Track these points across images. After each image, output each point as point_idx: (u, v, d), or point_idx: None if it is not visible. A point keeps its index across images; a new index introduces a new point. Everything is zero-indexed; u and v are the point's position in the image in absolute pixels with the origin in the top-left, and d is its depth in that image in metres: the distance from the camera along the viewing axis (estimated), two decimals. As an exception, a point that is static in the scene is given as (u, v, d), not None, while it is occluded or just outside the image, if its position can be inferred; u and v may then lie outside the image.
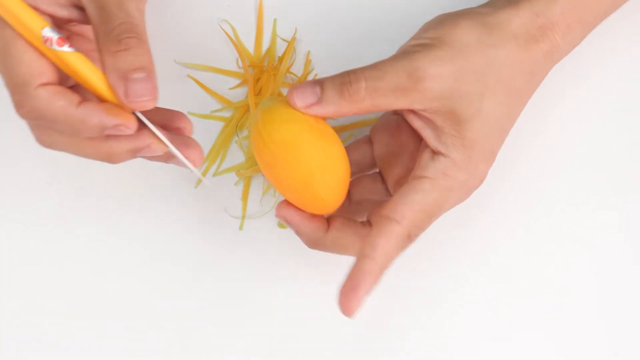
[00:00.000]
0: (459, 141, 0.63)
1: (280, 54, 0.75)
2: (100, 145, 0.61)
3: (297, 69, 0.75)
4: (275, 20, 0.76)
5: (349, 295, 0.61)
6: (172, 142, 0.61)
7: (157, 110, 0.64)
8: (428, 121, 0.63)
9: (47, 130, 0.61)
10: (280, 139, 0.62)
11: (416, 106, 0.63)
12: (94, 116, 0.58)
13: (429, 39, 0.64)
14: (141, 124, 0.60)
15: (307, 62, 0.75)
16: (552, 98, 0.73)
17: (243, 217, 0.73)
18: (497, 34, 0.64)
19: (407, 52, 0.63)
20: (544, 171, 0.73)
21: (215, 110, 0.74)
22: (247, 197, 0.73)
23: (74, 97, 0.59)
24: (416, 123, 0.64)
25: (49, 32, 0.58)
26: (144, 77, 0.58)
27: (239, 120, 0.74)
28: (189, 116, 0.65)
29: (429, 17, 0.75)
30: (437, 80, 0.62)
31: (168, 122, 0.64)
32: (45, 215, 0.74)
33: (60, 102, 0.58)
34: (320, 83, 0.62)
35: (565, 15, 0.66)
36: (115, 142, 0.61)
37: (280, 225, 0.73)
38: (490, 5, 0.66)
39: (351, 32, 0.76)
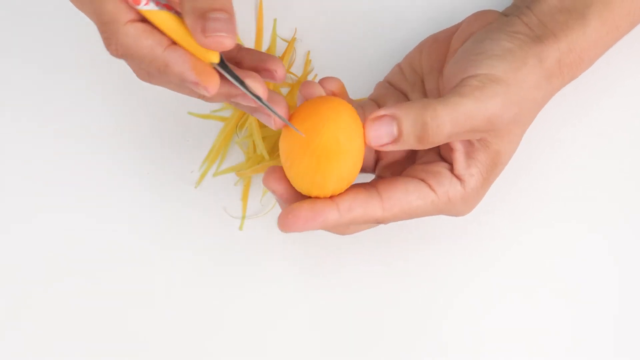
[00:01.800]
0: (480, 180, 0.63)
1: (280, 54, 0.75)
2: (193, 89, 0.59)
3: (297, 69, 0.75)
4: (275, 20, 0.76)
5: (299, 222, 0.60)
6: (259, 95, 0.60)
7: (249, 51, 0.63)
8: (470, 149, 0.63)
9: (148, 77, 0.60)
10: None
11: (474, 138, 0.63)
12: (178, 65, 0.57)
13: (504, 71, 0.63)
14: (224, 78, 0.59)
15: (307, 62, 0.75)
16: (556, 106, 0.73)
17: (243, 217, 0.73)
18: (544, 76, 0.65)
19: (488, 89, 0.62)
20: (547, 179, 0.73)
21: (215, 110, 0.74)
22: (247, 197, 0.73)
23: (163, 39, 0.58)
24: (455, 144, 0.63)
25: None
26: (224, 18, 0.57)
27: (239, 120, 0.74)
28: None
29: (429, 17, 0.75)
30: (504, 124, 0.62)
31: (259, 62, 0.62)
32: (44, 215, 0.74)
33: (148, 41, 0.57)
34: (397, 120, 0.60)
35: (590, 49, 0.66)
36: (205, 90, 0.59)
37: (280, 225, 0.73)
38: (526, 27, 0.66)
39: (351, 33, 0.76)
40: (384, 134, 0.61)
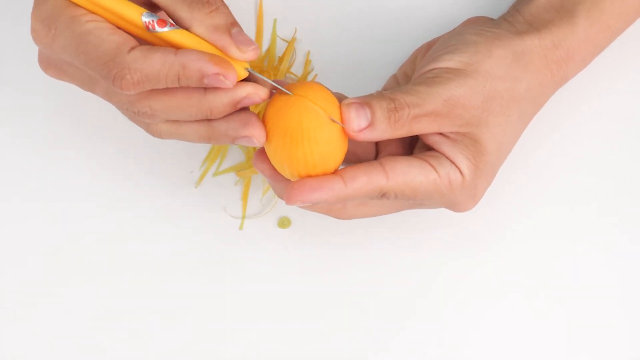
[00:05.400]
0: (472, 168, 0.64)
1: (280, 54, 0.75)
2: (200, 101, 0.60)
3: (297, 69, 0.75)
4: (275, 20, 0.76)
5: (305, 191, 0.62)
6: (231, 122, 0.62)
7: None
8: (448, 140, 0.64)
9: (150, 110, 0.61)
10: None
11: (443, 130, 0.64)
12: (195, 60, 0.58)
13: (462, 63, 0.64)
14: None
15: (307, 62, 0.75)
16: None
17: (243, 217, 0.73)
18: (522, 67, 0.65)
19: (441, 77, 0.64)
20: (545, 174, 0.73)
21: (215, 110, 0.74)
22: (247, 197, 0.73)
23: (169, 49, 0.59)
24: (432, 139, 0.64)
25: (147, 17, 0.59)
26: (241, 30, 0.60)
27: (239, 120, 0.74)
28: None
29: (428, 18, 0.75)
30: (468, 109, 0.63)
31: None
32: (43, 214, 0.74)
33: (157, 54, 0.58)
34: (368, 105, 0.62)
35: (580, 48, 0.67)
36: (214, 96, 0.60)
37: (281, 225, 0.73)
38: (511, 27, 0.67)
39: (351, 32, 0.76)
40: (361, 116, 0.62)
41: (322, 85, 0.64)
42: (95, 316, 0.72)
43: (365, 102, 0.62)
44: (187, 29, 0.60)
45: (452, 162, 0.64)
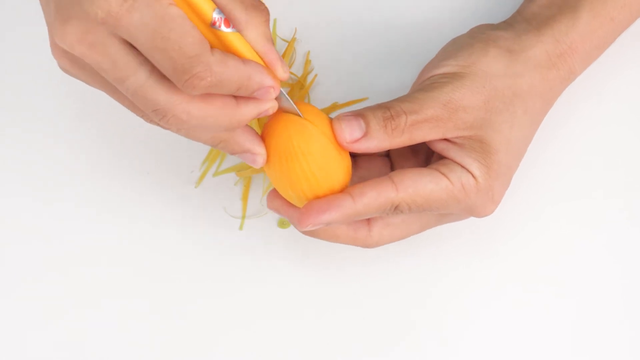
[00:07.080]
0: (483, 169, 0.64)
1: (280, 54, 0.75)
2: (234, 113, 0.59)
3: (297, 69, 0.75)
4: (275, 20, 0.76)
5: (313, 213, 0.62)
6: (248, 134, 0.62)
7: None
8: (455, 145, 0.64)
9: (187, 117, 0.58)
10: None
11: (448, 135, 0.63)
12: (258, 73, 0.58)
13: (458, 66, 0.64)
14: None
15: (307, 62, 0.75)
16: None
17: (243, 217, 0.73)
18: (522, 63, 0.65)
19: (439, 82, 0.64)
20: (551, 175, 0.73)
21: (215, 110, 0.74)
22: (247, 197, 0.73)
23: (236, 56, 0.58)
24: (439, 147, 0.64)
25: (218, 14, 0.58)
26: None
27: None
28: None
29: (429, 19, 0.75)
30: (470, 110, 0.63)
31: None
32: (43, 214, 0.74)
33: (232, 61, 0.57)
34: (362, 116, 0.62)
35: (584, 41, 0.67)
36: (246, 107, 0.59)
37: (280, 225, 0.73)
38: (510, 27, 0.67)
39: (351, 33, 0.76)
40: (355, 127, 0.62)
41: (313, 105, 0.64)
42: (94, 316, 0.72)
43: (358, 113, 0.63)
44: (238, 31, 0.59)
45: (463, 167, 0.63)
